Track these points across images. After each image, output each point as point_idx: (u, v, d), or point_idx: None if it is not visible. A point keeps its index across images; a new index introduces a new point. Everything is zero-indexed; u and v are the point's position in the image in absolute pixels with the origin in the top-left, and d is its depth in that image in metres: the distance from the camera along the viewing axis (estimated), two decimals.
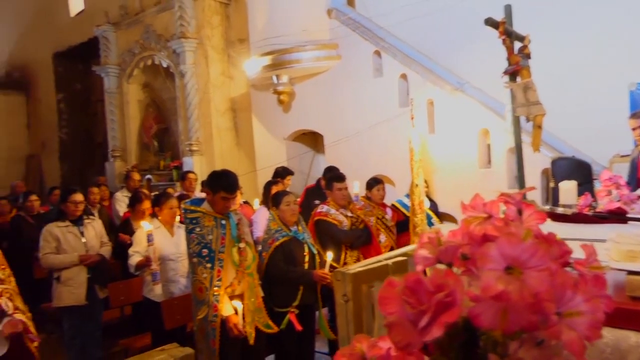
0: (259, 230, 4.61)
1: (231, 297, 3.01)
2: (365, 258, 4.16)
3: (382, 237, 4.44)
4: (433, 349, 0.76)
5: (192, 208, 3.09)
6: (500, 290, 0.62)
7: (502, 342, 0.64)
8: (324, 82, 5.96)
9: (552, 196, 3.94)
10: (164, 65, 7.79)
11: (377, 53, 5.50)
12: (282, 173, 5.37)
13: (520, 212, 0.82)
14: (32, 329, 2.53)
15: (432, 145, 5.14)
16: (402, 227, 4.70)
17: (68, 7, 10.52)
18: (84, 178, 11.22)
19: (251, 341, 2.96)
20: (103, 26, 8.53)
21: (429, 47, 5.20)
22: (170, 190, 6.15)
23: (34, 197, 5.63)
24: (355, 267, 2.79)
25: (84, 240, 4.05)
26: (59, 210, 4.11)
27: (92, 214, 4.75)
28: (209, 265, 2.97)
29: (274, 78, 6.10)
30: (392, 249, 4.43)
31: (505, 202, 0.83)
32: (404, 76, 5.33)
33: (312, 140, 6.82)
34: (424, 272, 0.75)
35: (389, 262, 2.92)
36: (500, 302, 0.62)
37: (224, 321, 2.91)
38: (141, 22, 8.02)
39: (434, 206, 5.03)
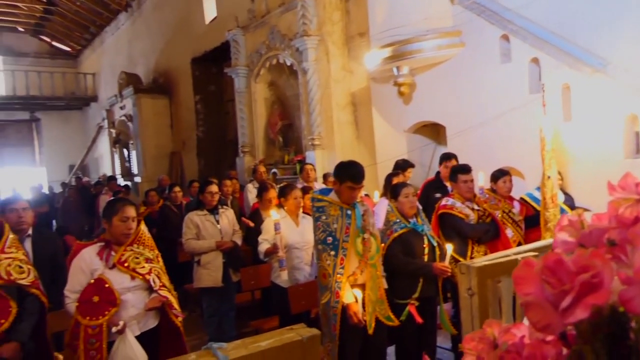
0: (381, 222, 4.64)
1: (353, 286, 3.07)
2: (492, 252, 3.97)
3: (509, 232, 4.19)
4: (574, 340, 0.71)
5: (319, 197, 3.21)
6: None
7: None
8: (446, 71, 5.77)
9: None
10: (288, 63, 8.13)
11: (505, 37, 5.18)
12: (402, 165, 5.32)
13: None
14: (176, 305, 2.82)
15: (567, 134, 4.71)
16: (532, 222, 4.38)
17: (203, 16, 11.46)
18: (218, 172, 12.18)
19: (370, 331, 3.00)
20: (233, 30, 9.15)
21: (564, 27, 4.75)
22: (295, 182, 6.45)
23: (177, 189, 6.27)
24: (480, 261, 2.68)
25: (219, 227, 4.42)
26: (198, 201, 4.53)
27: (226, 204, 5.15)
28: (332, 253, 3.06)
29: (395, 70, 6.05)
30: (519, 244, 4.17)
31: None
32: (535, 60, 4.95)
33: (434, 131, 6.65)
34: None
35: (518, 257, 2.76)
36: None
37: (345, 308, 2.98)
38: (267, 24, 8.46)
39: (569, 200, 4.61)
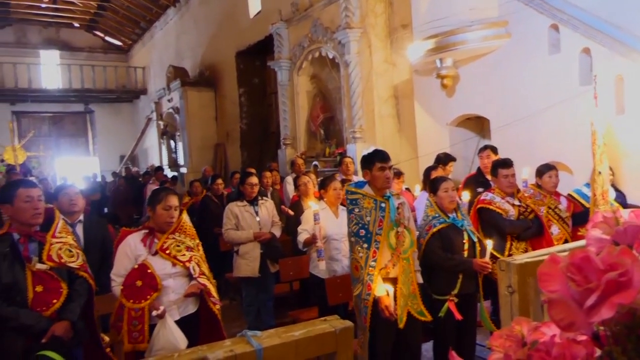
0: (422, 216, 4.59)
1: (385, 279, 3.07)
2: (534, 250, 3.85)
3: (555, 229, 4.05)
4: (606, 340, 0.69)
5: (353, 190, 3.22)
6: None
7: None
8: (491, 63, 5.61)
9: None
10: (330, 56, 8.12)
11: (554, 27, 4.98)
12: (443, 159, 5.24)
13: None
14: (214, 293, 2.90)
15: (619, 128, 4.49)
16: (580, 219, 4.21)
17: (248, 10, 11.61)
18: (260, 164, 12.36)
19: (401, 325, 2.98)
20: (277, 24, 9.22)
21: (617, 15, 4.52)
22: (336, 175, 6.47)
23: (219, 181, 6.42)
24: (522, 258, 2.61)
25: (258, 218, 4.49)
26: (238, 192, 4.62)
27: (266, 195, 5.23)
28: (365, 245, 3.07)
29: (438, 62, 5.94)
30: (566, 242, 4.02)
31: None
32: (586, 50, 4.74)
33: (478, 125, 6.49)
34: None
35: (564, 254, 2.67)
36: None
37: (376, 301, 2.98)
38: (310, 17, 8.47)
39: (620, 197, 4.40)
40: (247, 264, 4.39)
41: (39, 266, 2.46)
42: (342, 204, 4.15)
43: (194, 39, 14.83)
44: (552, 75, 4.99)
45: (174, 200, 2.90)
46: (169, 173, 13.87)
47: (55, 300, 2.45)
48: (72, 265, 2.57)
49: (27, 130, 19.32)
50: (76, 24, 20.56)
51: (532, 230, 3.81)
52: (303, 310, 4.34)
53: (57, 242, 2.56)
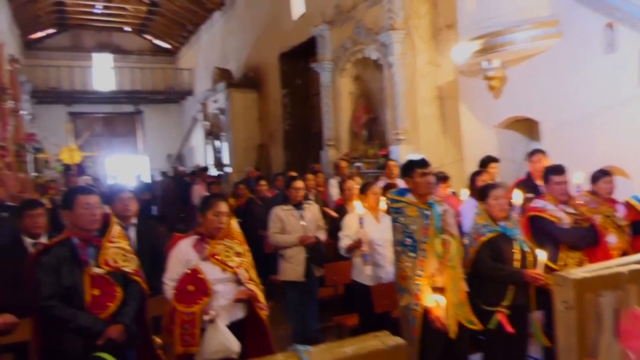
0: (469, 222, 4.49)
1: (432, 288, 3.03)
2: (590, 261, 3.70)
3: (612, 238, 3.87)
4: None
5: (397, 198, 3.20)
6: None
7: None
8: (541, 63, 5.42)
9: None
10: (373, 57, 8.08)
11: (610, 26, 4.76)
12: (485, 161, 5.12)
13: None
14: (261, 299, 2.96)
15: None
16: (639, 228, 4.02)
17: (291, 13, 11.70)
18: (303, 164, 12.44)
19: (452, 335, 2.94)
20: (320, 26, 9.25)
21: None
22: (380, 178, 6.44)
23: (263, 182, 6.51)
24: (579, 272, 2.51)
25: (303, 222, 4.53)
26: (283, 195, 4.67)
27: (310, 199, 5.27)
28: (412, 254, 3.04)
29: (484, 63, 5.80)
30: (624, 253, 3.84)
31: None
32: None
33: (527, 127, 6.29)
34: None
35: (624, 269, 2.54)
36: None
37: (426, 311, 2.95)
38: (353, 19, 8.45)
39: None
40: (293, 268, 4.43)
41: (96, 270, 2.58)
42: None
43: (239, 41, 15.09)
44: (607, 76, 4.79)
45: (223, 207, 2.97)
46: (213, 172, 14.20)
47: (110, 304, 2.56)
48: (126, 269, 2.68)
49: (81, 131, 20.27)
50: (127, 28, 21.33)
51: (587, 240, 3.66)
52: (347, 316, 4.33)
53: (113, 247, 2.68)
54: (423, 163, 3.10)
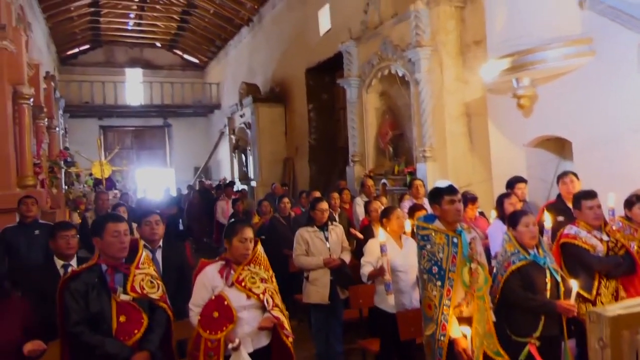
0: (496, 246, 4.40)
1: (459, 319, 2.96)
2: (625, 290, 3.58)
3: None
4: None
5: (424, 225, 3.14)
6: None
7: None
8: (573, 82, 5.29)
9: None
10: (400, 74, 8.04)
11: None
12: (512, 182, 5.02)
13: None
14: (287, 325, 2.94)
15: None
16: None
17: (318, 28, 11.80)
18: (328, 178, 12.46)
19: None
20: (347, 42, 9.28)
21: None
22: (406, 196, 6.38)
23: (286, 200, 6.48)
24: (614, 309, 2.41)
25: (328, 244, 4.51)
26: (309, 216, 4.66)
27: (336, 220, 5.24)
28: (438, 283, 2.98)
29: (514, 81, 5.70)
30: None
31: None
32: None
33: (558, 146, 6.15)
34: None
35: None
36: None
37: (452, 343, 2.88)
38: (379, 35, 8.45)
39: None
40: (317, 290, 4.40)
41: (123, 297, 2.61)
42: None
43: (266, 56, 15.28)
44: None
45: (249, 233, 2.98)
46: (239, 186, 14.33)
47: (136, 331, 2.59)
48: (152, 296, 2.71)
49: (112, 143, 20.80)
50: (158, 44, 21.88)
51: (623, 268, 3.53)
52: (372, 339, 4.27)
53: (140, 274, 2.71)
54: (451, 190, 3.04)
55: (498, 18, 5.86)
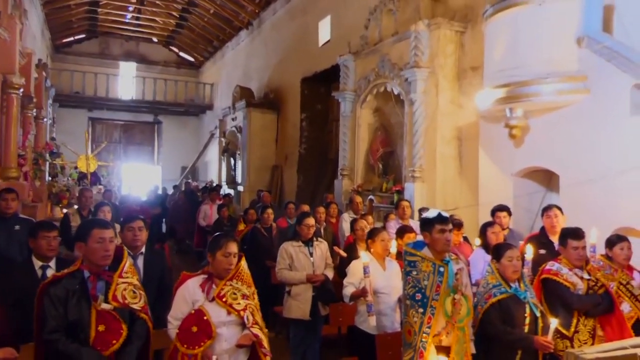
0: (476, 273, 4.43)
1: (437, 347, 2.97)
2: (602, 328, 3.61)
3: (626, 307, 3.77)
4: None
5: (412, 251, 3.15)
6: None
7: None
8: (565, 117, 5.37)
9: None
10: (395, 92, 8.10)
11: (638, 87, 4.72)
12: (493, 211, 5.09)
13: None
14: (265, 344, 2.91)
15: None
16: None
17: (317, 38, 11.84)
18: (315, 190, 12.45)
19: None
20: (345, 56, 9.33)
21: None
22: (391, 215, 6.38)
23: (269, 211, 6.41)
24: (592, 352, 2.45)
25: (312, 260, 4.49)
26: (294, 231, 4.64)
27: (321, 234, 5.23)
28: (420, 310, 2.99)
29: (507, 111, 5.77)
30: (638, 321, 3.74)
31: None
32: None
33: (545, 177, 6.22)
34: None
35: (639, 351, 2.47)
36: None
37: None
38: (378, 52, 8.51)
39: None
40: (299, 305, 4.38)
41: (104, 306, 2.56)
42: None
43: (263, 61, 15.28)
44: (632, 138, 4.72)
45: (233, 247, 2.94)
46: (226, 189, 14.24)
47: (114, 341, 2.54)
48: (134, 306, 2.66)
49: (100, 136, 20.56)
50: (155, 39, 21.74)
51: (602, 307, 3.56)
52: (350, 358, 4.24)
53: (122, 283, 2.66)
54: (443, 219, 3.06)
55: (497, 47, 5.94)
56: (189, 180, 17.10)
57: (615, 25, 5.19)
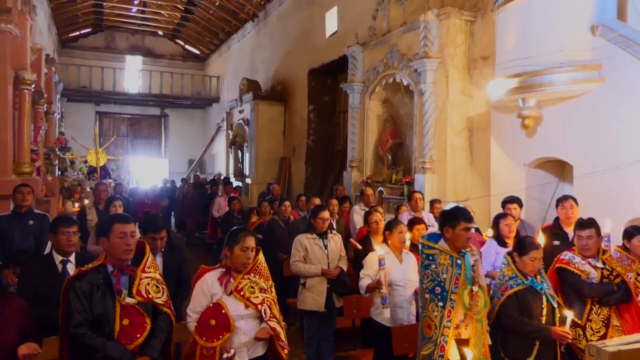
0: (488, 264, 4.43)
1: (456, 340, 2.98)
2: (621, 317, 3.60)
3: None
4: None
5: (429, 244, 3.14)
6: None
7: None
8: (579, 107, 5.33)
9: None
10: (405, 83, 8.05)
11: None
12: (504, 202, 5.07)
13: None
14: (283, 337, 2.93)
15: None
16: None
17: (324, 30, 11.77)
18: (323, 182, 12.45)
19: None
20: (353, 47, 9.27)
21: None
22: (403, 207, 6.36)
23: (287, 204, 6.46)
24: (614, 344, 2.44)
25: (326, 253, 4.50)
26: (309, 223, 4.65)
27: (334, 227, 5.23)
28: (440, 304, 2.99)
29: (520, 101, 5.73)
30: None
31: None
32: None
33: (558, 168, 6.19)
34: None
35: None
36: None
37: None
38: (387, 42, 8.45)
39: None
40: (313, 297, 4.40)
41: (128, 300, 2.58)
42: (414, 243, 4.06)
43: (269, 53, 15.23)
44: None
45: (251, 242, 2.96)
46: (233, 182, 14.27)
47: (139, 335, 2.56)
48: (157, 301, 2.68)
49: (107, 130, 20.63)
50: (160, 33, 21.71)
51: (616, 297, 3.55)
52: (364, 350, 4.28)
53: (145, 277, 2.68)
54: (469, 218, 3.04)
55: (508, 36, 5.88)
56: (198, 173, 17.14)
57: (630, 12, 5.12)
